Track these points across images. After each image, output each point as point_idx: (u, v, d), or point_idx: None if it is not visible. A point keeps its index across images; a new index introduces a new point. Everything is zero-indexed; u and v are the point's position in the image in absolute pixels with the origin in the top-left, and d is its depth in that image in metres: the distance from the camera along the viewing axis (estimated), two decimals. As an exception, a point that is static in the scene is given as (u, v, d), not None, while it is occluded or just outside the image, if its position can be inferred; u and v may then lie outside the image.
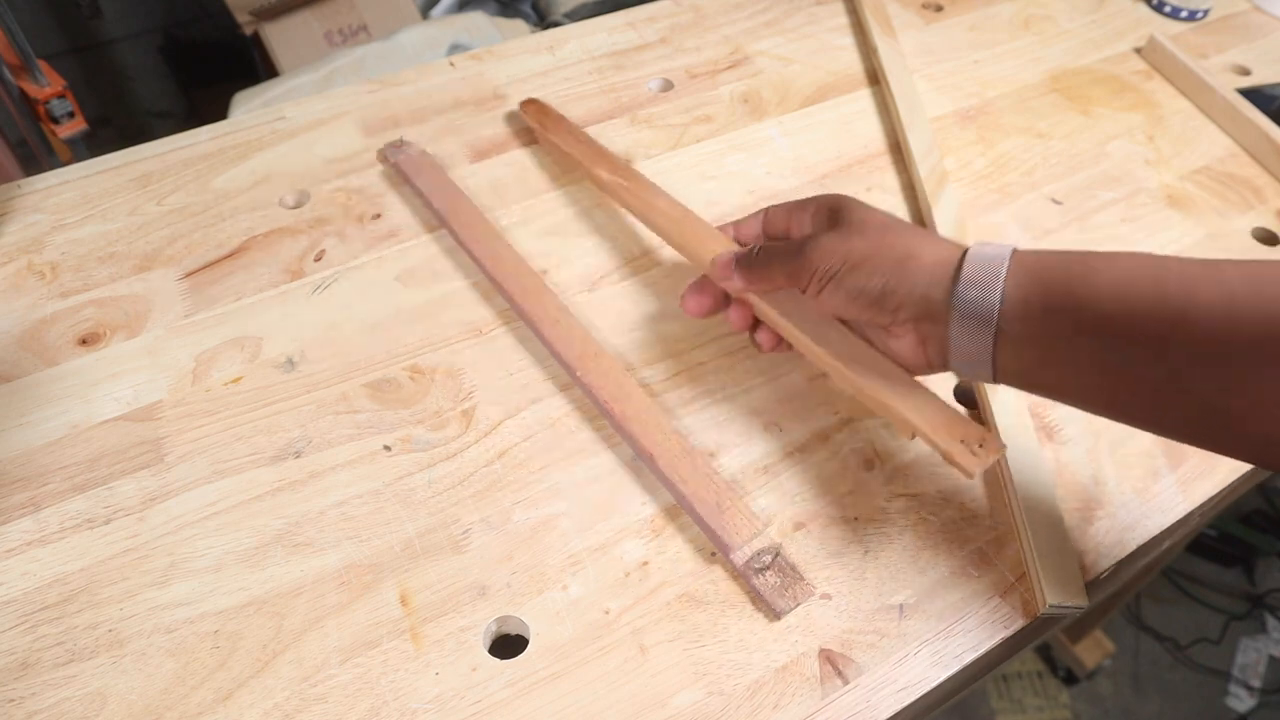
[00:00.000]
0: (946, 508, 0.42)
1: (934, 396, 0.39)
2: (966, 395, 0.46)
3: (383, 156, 0.57)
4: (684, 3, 0.72)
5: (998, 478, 0.43)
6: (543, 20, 1.25)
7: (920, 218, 0.55)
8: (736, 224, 0.45)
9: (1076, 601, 0.37)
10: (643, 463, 0.43)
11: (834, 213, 0.39)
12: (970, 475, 0.37)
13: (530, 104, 0.59)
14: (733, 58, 0.67)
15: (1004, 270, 0.34)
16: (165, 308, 0.49)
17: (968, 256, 0.35)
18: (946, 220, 0.53)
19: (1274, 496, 1.39)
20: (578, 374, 0.45)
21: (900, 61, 0.65)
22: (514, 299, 0.48)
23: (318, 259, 0.52)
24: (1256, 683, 1.25)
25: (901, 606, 0.38)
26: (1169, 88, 0.66)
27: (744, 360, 0.47)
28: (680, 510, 0.41)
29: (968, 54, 0.68)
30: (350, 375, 0.46)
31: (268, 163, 0.58)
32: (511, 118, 0.61)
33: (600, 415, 0.44)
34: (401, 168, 0.56)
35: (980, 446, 0.37)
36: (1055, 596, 0.37)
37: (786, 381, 0.46)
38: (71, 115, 1.05)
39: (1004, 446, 0.38)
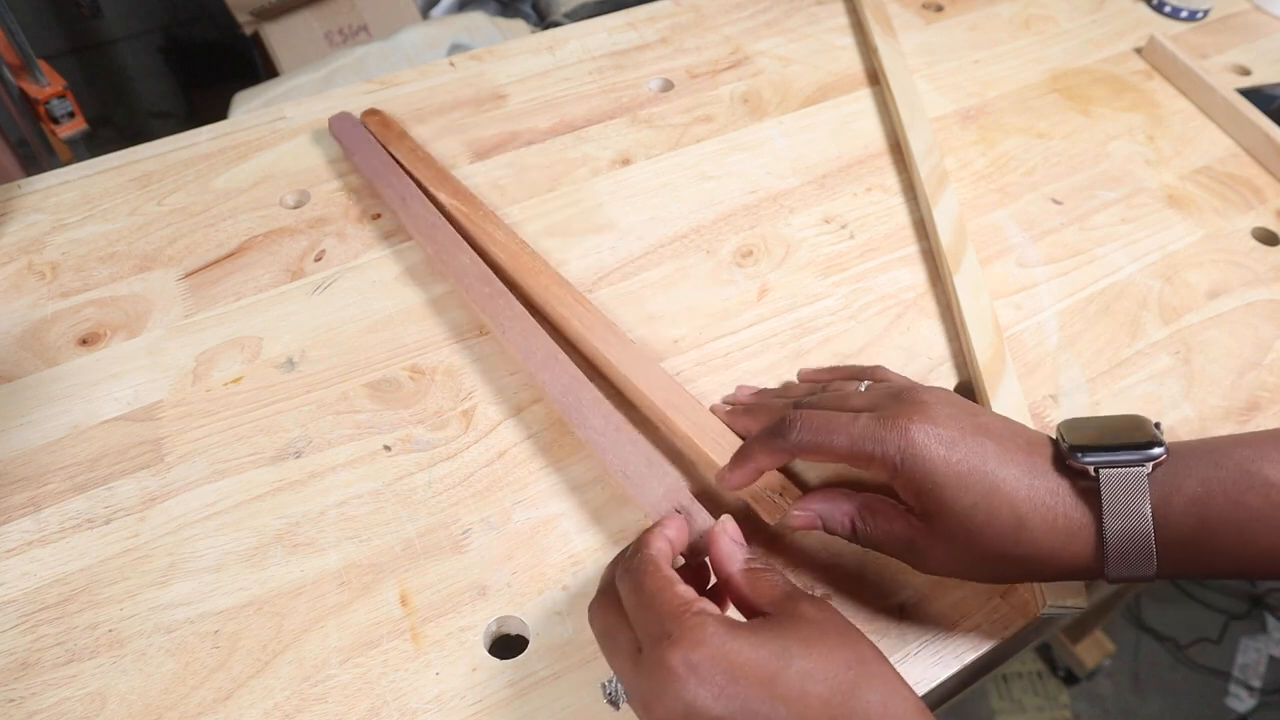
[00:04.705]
0: (946, 508, 0.42)
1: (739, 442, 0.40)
2: (966, 393, 0.46)
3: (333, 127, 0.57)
4: (684, 3, 0.72)
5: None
6: (543, 20, 1.25)
7: (920, 217, 0.55)
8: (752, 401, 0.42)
9: (1076, 602, 0.37)
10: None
11: (928, 507, 0.33)
12: (770, 522, 0.39)
13: (372, 114, 0.58)
14: (733, 58, 0.67)
15: (1153, 549, 0.31)
16: (165, 308, 0.49)
17: (1109, 559, 0.32)
18: (946, 220, 0.53)
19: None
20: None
21: (900, 61, 0.65)
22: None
23: (318, 259, 0.52)
24: (1257, 683, 1.25)
25: (901, 606, 0.38)
26: (1169, 88, 0.66)
27: (743, 362, 0.47)
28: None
29: (968, 54, 0.68)
30: (350, 375, 0.46)
31: (268, 163, 0.58)
32: (346, 119, 0.58)
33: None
34: (344, 139, 0.56)
35: (780, 495, 0.39)
36: (1054, 597, 0.37)
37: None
38: (71, 115, 1.05)
39: (801, 496, 0.39)
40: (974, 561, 0.34)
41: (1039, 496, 0.32)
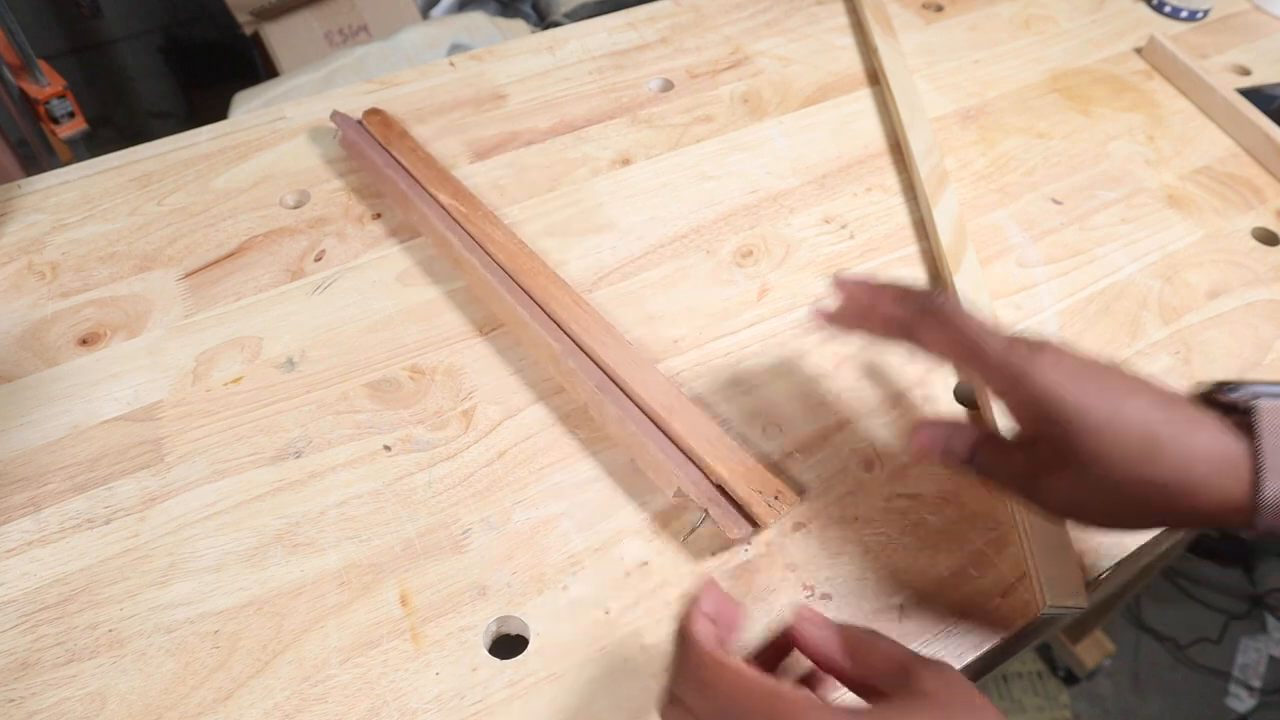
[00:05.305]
0: (946, 508, 0.42)
1: (737, 448, 0.41)
2: (967, 395, 0.46)
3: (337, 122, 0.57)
4: (684, 3, 0.72)
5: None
6: (543, 20, 1.25)
7: (920, 217, 0.55)
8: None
9: (1076, 601, 0.37)
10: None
11: (1049, 430, 0.32)
12: (764, 526, 0.39)
13: (373, 114, 0.58)
14: (733, 58, 0.67)
15: None
16: (165, 308, 0.49)
17: (1263, 502, 0.29)
18: (946, 220, 0.53)
19: (1274, 496, 1.39)
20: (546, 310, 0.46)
21: (901, 61, 0.65)
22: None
23: (318, 259, 0.52)
24: (1257, 683, 1.25)
25: (901, 606, 0.38)
26: (1169, 88, 0.66)
27: (744, 362, 0.47)
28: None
29: (968, 54, 0.68)
30: (350, 375, 0.46)
31: (268, 163, 0.58)
32: (347, 118, 0.58)
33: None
34: (352, 138, 0.56)
35: (776, 498, 0.39)
36: (1055, 597, 0.37)
37: (787, 382, 0.46)
38: (71, 115, 1.05)
39: (798, 500, 0.40)
40: (1101, 492, 0.31)
41: (1177, 421, 0.30)
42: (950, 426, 0.36)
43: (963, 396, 0.46)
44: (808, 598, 0.38)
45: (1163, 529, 0.34)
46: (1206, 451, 0.29)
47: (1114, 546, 0.41)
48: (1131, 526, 0.34)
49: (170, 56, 1.64)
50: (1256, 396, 0.30)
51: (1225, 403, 0.31)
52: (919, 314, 0.35)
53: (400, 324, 0.49)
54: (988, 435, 0.35)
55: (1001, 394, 0.33)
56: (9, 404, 0.45)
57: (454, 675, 0.36)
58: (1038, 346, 0.32)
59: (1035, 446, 0.33)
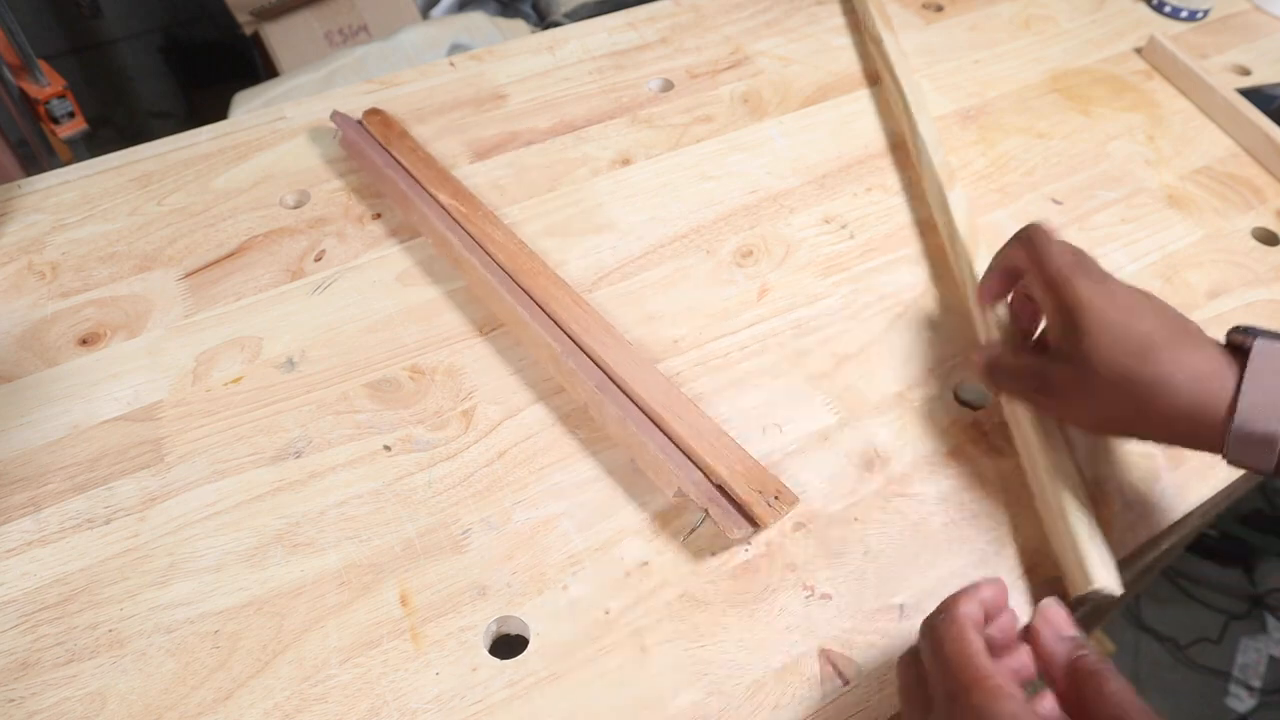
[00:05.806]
0: (946, 508, 0.42)
1: (738, 446, 0.41)
2: (968, 395, 0.46)
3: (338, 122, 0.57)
4: (684, 3, 0.72)
5: (1016, 472, 0.43)
6: (543, 20, 1.25)
7: (919, 218, 0.55)
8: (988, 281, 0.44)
9: (1111, 588, 0.37)
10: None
11: (1068, 324, 0.37)
12: (764, 526, 0.39)
13: (373, 114, 0.58)
14: (733, 58, 0.67)
15: None
16: (165, 308, 0.49)
17: (1232, 435, 0.32)
18: (961, 211, 0.53)
19: (1274, 496, 1.39)
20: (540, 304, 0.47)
21: (904, 58, 0.65)
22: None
23: (318, 259, 0.52)
24: (1257, 683, 1.25)
25: (902, 606, 0.38)
26: (1169, 88, 0.66)
27: (744, 362, 0.47)
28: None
29: (968, 54, 0.68)
30: (350, 375, 0.46)
31: (268, 163, 0.58)
32: (347, 118, 0.58)
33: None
34: (352, 138, 0.56)
35: (776, 498, 0.39)
36: (1100, 580, 0.37)
37: (785, 382, 0.46)
38: (71, 115, 1.05)
39: (797, 500, 0.40)
40: (1091, 390, 0.36)
41: (1177, 338, 0.34)
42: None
43: (963, 396, 0.46)
44: (808, 598, 0.38)
45: (1139, 439, 0.38)
46: (1194, 366, 0.33)
47: (1114, 546, 0.41)
48: (1112, 430, 0.39)
49: (170, 56, 1.64)
50: (1260, 336, 0.33)
51: (1234, 341, 0.34)
52: (1017, 243, 0.42)
53: (400, 324, 0.49)
54: (1005, 346, 0.42)
55: (1047, 295, 0.38)
56: (9, 404, 0.45)
57: (454, 675, 0.36)
58: (1092, 271, 0.38)
59: (1051, 352, 0.38)
